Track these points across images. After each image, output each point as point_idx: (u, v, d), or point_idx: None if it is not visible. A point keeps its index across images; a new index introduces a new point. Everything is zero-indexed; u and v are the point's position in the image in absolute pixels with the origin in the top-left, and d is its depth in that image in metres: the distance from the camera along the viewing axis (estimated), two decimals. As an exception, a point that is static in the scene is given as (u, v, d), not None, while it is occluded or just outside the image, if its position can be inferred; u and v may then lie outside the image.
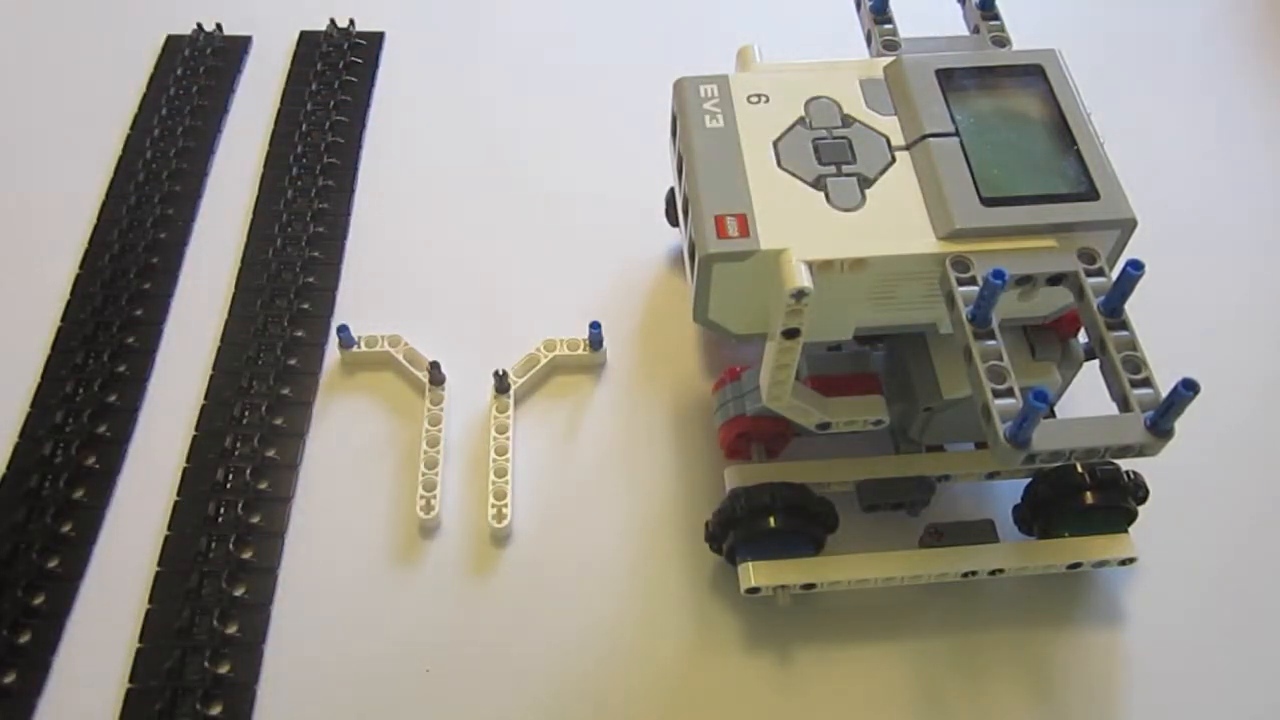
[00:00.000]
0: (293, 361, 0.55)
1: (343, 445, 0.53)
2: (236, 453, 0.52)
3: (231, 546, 0.49)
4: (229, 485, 0.51)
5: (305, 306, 0.57)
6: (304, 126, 0.65)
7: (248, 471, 0.51)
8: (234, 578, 0.48)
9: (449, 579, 0.49)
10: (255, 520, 0.50)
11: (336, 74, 0.68)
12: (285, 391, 0.54)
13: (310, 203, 0.62)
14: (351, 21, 0.71)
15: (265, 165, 0.64)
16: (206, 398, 0.54)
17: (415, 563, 0.49)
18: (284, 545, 0.49)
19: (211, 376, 0.55)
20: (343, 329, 0.55)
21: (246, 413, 0.53)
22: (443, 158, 0.65)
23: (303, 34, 0.71)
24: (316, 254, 0.59)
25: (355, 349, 0.55)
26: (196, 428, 0.53)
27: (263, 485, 0.51)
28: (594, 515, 0.51)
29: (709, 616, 0.48)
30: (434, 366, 0.54)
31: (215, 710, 0.44)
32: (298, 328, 0.56)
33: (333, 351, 0.56)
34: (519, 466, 0.52)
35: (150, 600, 0.47)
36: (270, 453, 0.52)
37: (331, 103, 0.67)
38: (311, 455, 0.52)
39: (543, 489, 0.52)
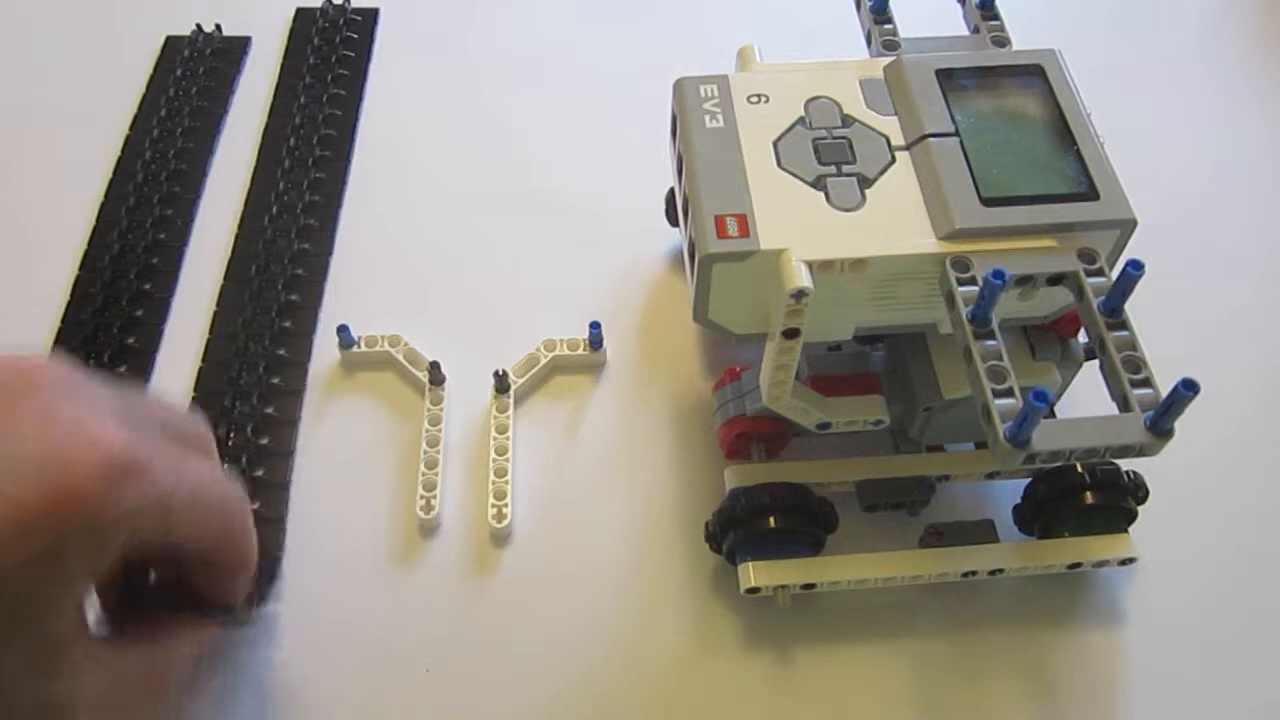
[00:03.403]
0: (286, 355, 0.55)
1: (342, 445, 0.53)
2: (244, 454, 0.51)
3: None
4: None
5: (298, 301, 0.57)
6: (301, 128, 0.65)
7: (251, 469, 0.51)
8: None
9: (449, 579, 0.49)
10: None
11: (329, 68, 0.68)
12: (275, 381, 0.54)
13: (304, 201, 0.61)
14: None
15: (262, 166, 0.63)
16: (207, 399, 0.54)
17: (415, 563, 0.49)
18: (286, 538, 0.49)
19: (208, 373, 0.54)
20: (342, 329, 0.55)
21: (238, 404, 0.53)
22: (441, 158, 0.65)
23: (298, 10, 0.71)
24: (308, 248, 0.59)
25: (355, 349, 0.55)
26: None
27: (260, 472, 0.51)
28: (594, 515, 0.51)
29: (709, 616, 0.48)
30: (434, 366, 0.54)
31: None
32: (287, 321, 0.56)
33: (333, 351, 0.56)
34: (519, 466, 0.52)
35: (150, 600, 0.47)
36: (263, 440, 0.52)
37: (324, 96, 0.66)
38: (311, 455, 0.52)
39: (543, 489, 0.52)
